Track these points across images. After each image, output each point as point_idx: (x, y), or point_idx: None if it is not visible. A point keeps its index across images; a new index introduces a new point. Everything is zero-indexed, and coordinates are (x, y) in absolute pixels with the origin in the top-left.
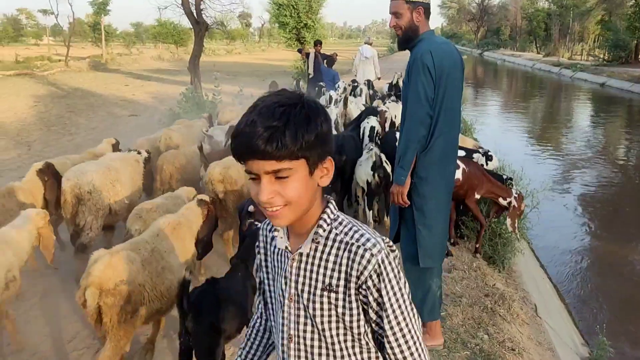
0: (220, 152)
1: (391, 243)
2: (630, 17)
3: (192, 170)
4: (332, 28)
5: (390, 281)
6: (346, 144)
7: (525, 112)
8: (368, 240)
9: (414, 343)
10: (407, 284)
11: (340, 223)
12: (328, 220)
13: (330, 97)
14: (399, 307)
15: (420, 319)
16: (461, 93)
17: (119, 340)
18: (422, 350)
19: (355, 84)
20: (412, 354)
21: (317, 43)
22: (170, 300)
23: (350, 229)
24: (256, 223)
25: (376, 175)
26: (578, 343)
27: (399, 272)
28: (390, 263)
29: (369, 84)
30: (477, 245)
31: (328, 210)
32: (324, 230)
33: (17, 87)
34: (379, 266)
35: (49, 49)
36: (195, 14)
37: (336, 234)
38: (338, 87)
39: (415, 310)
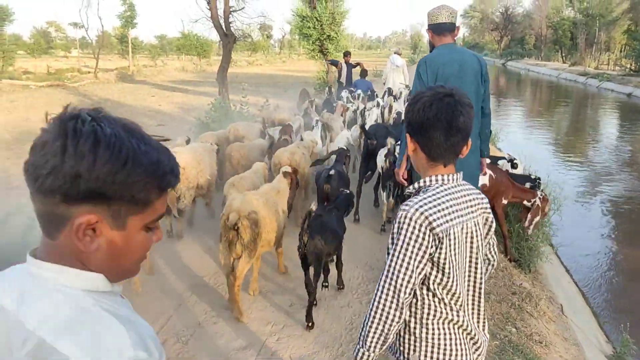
0: (277, 145)
1: None
2: None
3: (252, 158)
4: (352, 39)
5: None
6: (378, 132)
7: (550, 122)
8: None
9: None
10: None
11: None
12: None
13: (378, 103)
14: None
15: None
16: (475, 88)
17: (250, 252)
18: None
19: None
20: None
21: (347, 54)
22: (280, 233)
23: None
24: (345, 190)
25: (387, 160)
26: (602, 341)
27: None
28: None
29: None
30: (508, 257)
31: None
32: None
33: (50, 97)
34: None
35: (78, 60)
36: (223, 26)
37: None
38: (356, 95)
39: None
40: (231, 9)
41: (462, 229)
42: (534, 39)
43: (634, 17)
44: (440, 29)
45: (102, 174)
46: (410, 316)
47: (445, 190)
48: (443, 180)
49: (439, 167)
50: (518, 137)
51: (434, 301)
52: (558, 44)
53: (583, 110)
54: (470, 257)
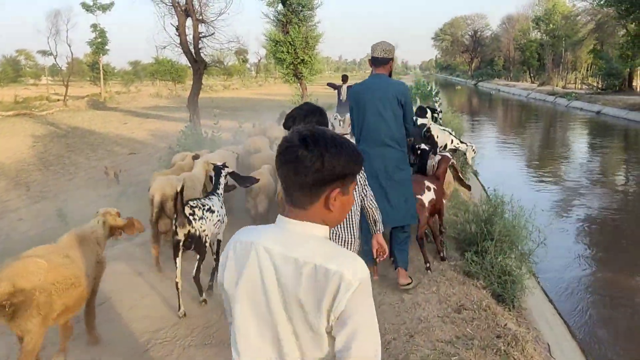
0: None
1: None
2: (623, 46)
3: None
4: (328, 62)
5: None
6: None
7: (523, 140)
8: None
9: None
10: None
11: None
12: None
13: None
14: None
15: None
16: (380, 111)
17: None
18: None
19: None
20: None
21: (345, 78)
22: None
23: None
24: None
25: None
26: None
27: None
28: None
29: None
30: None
31: None
32: None
33: (17, 127)
34: None
35: (48, 88)
36: (193, 53)
37: None
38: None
39: None
40: (201, 35)
41: None
42: (502, 60)
43: (599, 36)
44: (376, 61)
45: (344, 165)
46: None
47: None
48: None
49: None
50: (492, 155)
51: None
52: (526, 64)
53: (554, 128)
54: None
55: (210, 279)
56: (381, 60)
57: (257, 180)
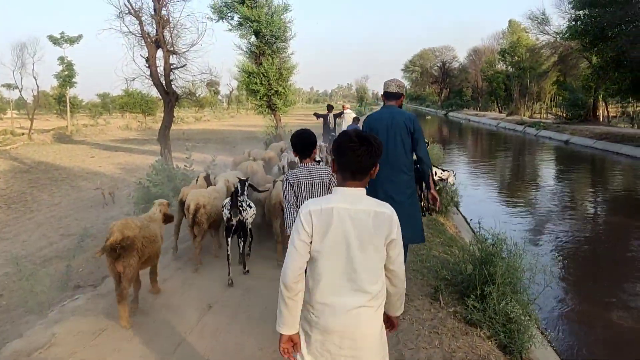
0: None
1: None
2: (587, 78)
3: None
4: (300, 93)
5: None
6: None
7: (498, 169)
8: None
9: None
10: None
11: None
12: None
13: None
14: None
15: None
16: (388, 139)
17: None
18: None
19: None
20: None
21: (330, 108)
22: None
23: None
24: None
25: None
26: None
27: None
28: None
29: None
30: None
31: None
32: None
33: None
34: None
35: (13, 122)
36: (164, 85)
37: None
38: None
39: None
40: (172, 67)
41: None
42: (471, 91)
43: (561, 69)
44: (388, 95)
45: (379, 155)
46: None
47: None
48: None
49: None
50: (468, 183)
51: None
52: (494, 95)
53: (527, 157)
54: None
55: (239, 260)
56: (395, 95)
57: (267, 190)
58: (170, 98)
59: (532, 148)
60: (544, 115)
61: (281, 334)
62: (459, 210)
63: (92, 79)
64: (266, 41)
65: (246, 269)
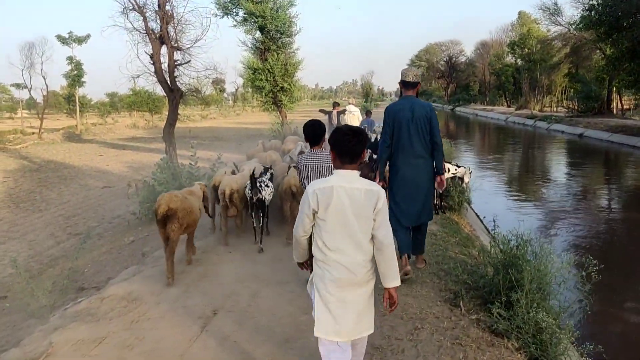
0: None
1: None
2: (602, 69)
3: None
4: (305, 90)
5: None
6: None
7: (511, 164)
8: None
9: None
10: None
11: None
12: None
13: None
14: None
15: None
16: (411, 128)
17: None
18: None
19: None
20: None
21: (335, 104)
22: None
23: None
24: None
25: None
26: None
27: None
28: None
29: None
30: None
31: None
32: None
33: None
34: None
35: (23, 122)
36: (169, 81)
37: None
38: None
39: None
40: (176, 63)
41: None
42: (478, 85)
43: (573, 60)
44: (407, 85)
45: (347, 142)
46: None
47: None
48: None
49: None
50: (482, 180)
51: None
52: (502, 89)
53: (539, 152)
54: None
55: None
56: (412, 84)
57: (281, 177)
58: (175, 95)
59: (545, 142)
60: (555, 109)
61: (297, 262)
62: (471, 208)
63: (101, 79)
64: (271, 37)
65: (262, 244)
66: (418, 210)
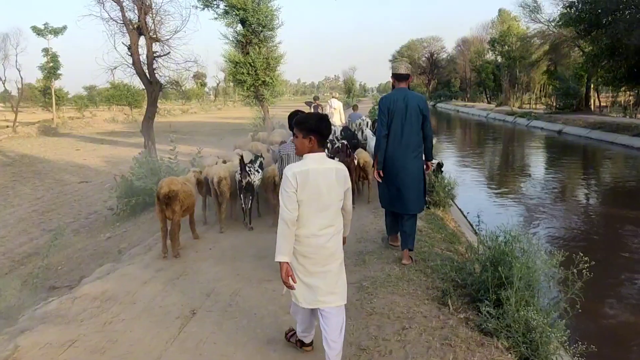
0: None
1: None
2: (580, 66)
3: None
4: (287, 85)
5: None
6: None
7: (492, 160)
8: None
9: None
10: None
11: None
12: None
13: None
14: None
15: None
16: (404, 118)
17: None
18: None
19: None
20: None
21: (316, 98)
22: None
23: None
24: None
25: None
26: None
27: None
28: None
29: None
30: None
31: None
32: None
33: None
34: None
35: None
36: (147, 74)
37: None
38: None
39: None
40: (155, 55)
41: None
42: (459, 82)
43: (552, 58)
44: (399, 77)
45: (326, 127)
46: None
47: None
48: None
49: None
50: (461, 175)
51: None
52: (482, 85)
53: (520, 148)
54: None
55: (244, 219)
56: (405, 76)
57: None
58: (154, 88)
59: (525, 139)
60: (534, 106)
61: (281, 263)
62: (454, 203)
63: (79, 72)
64: (253, 30)
65: (250, 224)
66: (408, 198)
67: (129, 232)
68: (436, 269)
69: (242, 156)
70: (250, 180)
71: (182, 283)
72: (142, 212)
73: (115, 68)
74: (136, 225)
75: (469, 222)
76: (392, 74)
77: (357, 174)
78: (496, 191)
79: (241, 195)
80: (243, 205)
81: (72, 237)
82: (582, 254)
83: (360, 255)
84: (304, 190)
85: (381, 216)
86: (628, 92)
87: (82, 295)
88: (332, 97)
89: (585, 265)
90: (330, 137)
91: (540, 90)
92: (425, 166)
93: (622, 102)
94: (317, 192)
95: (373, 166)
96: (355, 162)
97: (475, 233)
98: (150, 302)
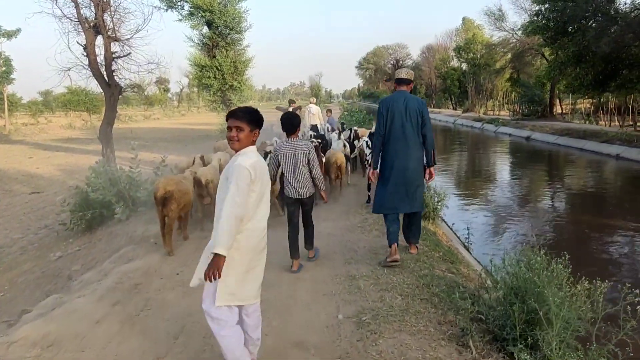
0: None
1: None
2: (544, 74)
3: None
4: (253, 90)
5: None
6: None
7: (459, 165)
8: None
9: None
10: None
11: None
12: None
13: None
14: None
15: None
16: (404, 119)
17: None
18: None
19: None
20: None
21: (292, 102)
22: None
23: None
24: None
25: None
26: None
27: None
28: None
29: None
30: None
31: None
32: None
33: None
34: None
35: None
36: (105, 76)
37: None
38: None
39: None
40: (114, 55)
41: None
42: (425, 88)
43: (516, 66)
44: (400, 81)
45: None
46: None
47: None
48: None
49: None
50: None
51: None
52: (447, 92)
53: (491, 154)
54: None
55: None
56: (405, 80)
57: None
58: (113, 91)
59: (494, 145)
60: (497, 112)
61: (220, 257)
62: (439, 216)
63: (33, 77)
64: (220, 32)
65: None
66: (408, 198)
67: (83, 250)
68: (444, 298)
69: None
70: None
71: (143, 321)
72: (99, 227)
73: (69, 70)
74: (92, 243)
75: (456, 235)
76: (395, 78)
77: (335, 173)
78: (469, 197)
79: None
80: None
81: (19, 256)
82: (629, 284)
83: (353, 280)
84: (259, 182)
85: (369, 231)
86: (589, 100)
87: (20, 339)
88: (310, 103)
89: (637, 299)
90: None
91: (503, 97)
92: (427, 173)
93: (583, 109)
94: (267, 186)
95: (369, 166)
96: (330, 160)
97: (466, 248)
98: (103, 349)
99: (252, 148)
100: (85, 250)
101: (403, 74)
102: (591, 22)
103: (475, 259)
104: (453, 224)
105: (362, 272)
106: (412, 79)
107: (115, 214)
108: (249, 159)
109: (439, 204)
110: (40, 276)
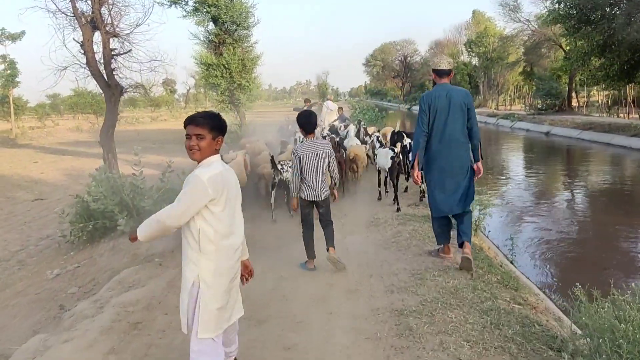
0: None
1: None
2: (562, 67)
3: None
4: (259, 88)
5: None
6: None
7: (492, 164)
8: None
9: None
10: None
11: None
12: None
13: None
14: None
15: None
16: (448, 115)
17: None
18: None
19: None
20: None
21: (307, 101)
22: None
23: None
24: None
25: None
26: None
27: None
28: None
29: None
30: None
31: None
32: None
33: None
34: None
35: None
36: (105, 75)
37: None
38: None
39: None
40: (113, 53)
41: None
42: (433, 84)
43: (529, 59)
44: (441, 73)
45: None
46: None
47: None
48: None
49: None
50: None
51: None
52: None
53: (510, 151)
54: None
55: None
56: (446, 72)
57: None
58: (113, 91)
59: (513, 141)
60: (509, 107)
61: (138, 240)
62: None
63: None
64: (226, 29)
65: (291, 212)
66: (456, 198)
67: (82, 268)
68: (523, 345)
69: (272, 156)
70: (282, 177)
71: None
72: (102, 240)
73: (65, 68)
74: (92, 259)
75: (500, 251)
76: (433, 69)
77: (348, 166)
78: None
79: (272, 192)
80: (271, 201)
81: (17, 272)
82: None
83: (400, 316)
84: (223, 196)
85: (407, 247)
86: (608, 92)
87: None
88: (328, 99)
89: None
90: (323, 133)
91: (515, 92)
92: (475, 168)
93: (599, 102)
94: (234, 199)
95: (412, 167)
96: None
97: (511, 261)
98: None
99: (216, 157)
100: (85, 268)
101: (444, 64)
102: (615, 9)
103: (539, 287)
104: (489, 230)
105: (409, 305)
106: (452, 67)
107: (118, 225)
108: (211, 170)
109: (482, 213)
110: (34, 299)
